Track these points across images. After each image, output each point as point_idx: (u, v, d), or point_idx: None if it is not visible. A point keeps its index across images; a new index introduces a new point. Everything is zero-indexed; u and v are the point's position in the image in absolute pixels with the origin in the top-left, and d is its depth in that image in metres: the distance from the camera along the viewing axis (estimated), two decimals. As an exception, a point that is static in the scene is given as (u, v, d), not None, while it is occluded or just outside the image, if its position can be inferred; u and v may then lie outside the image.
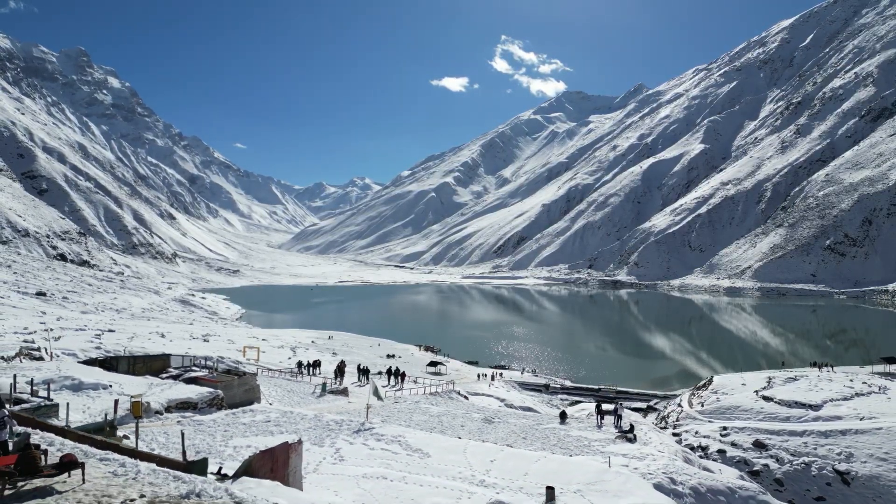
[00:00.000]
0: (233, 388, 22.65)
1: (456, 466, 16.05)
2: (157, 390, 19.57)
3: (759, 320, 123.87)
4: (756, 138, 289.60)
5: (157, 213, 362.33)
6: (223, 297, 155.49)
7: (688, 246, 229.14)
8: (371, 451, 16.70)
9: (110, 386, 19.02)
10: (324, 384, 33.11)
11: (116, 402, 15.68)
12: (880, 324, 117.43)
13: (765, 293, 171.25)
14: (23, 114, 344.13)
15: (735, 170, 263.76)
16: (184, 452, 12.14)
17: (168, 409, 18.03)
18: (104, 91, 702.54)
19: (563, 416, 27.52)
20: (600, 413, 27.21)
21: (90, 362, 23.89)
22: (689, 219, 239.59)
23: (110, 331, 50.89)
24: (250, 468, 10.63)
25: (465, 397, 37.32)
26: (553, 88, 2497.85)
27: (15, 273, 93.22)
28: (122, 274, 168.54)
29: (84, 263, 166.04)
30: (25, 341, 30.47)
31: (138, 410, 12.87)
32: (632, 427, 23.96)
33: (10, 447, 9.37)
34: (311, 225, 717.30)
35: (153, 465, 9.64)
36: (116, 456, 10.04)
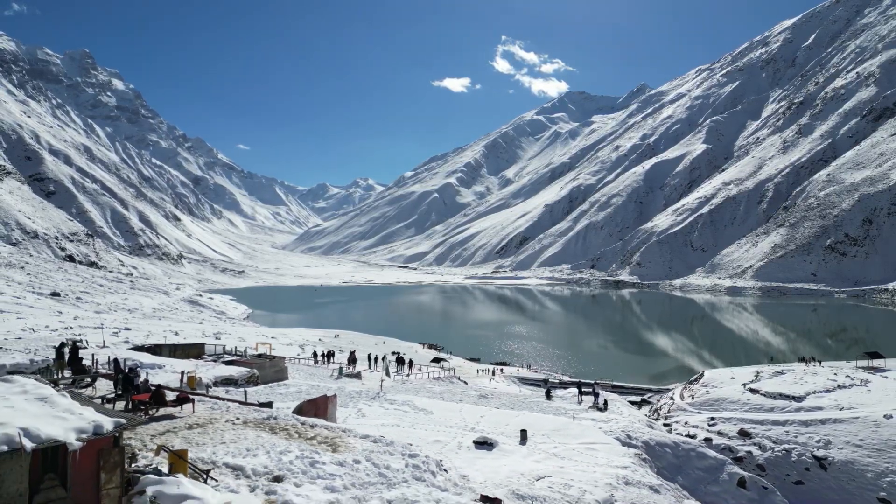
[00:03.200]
0: (265, 368, 26.19)
1: (453, 420, 20.22)
2: (204, 369, 22.69)
3: (760, 319, 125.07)
4: (758, 138, 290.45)
5: (162, 214, 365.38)
6: (230, 297, 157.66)
7: (690, 246, 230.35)
8: (386, 411, 20.55)
9: (164, 366, 22.14)
10: (340, 368, 36.83)
11: (183, 373, 19.00)
12: (881, 322, 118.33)
13: (766, 293, 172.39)
14: (29, 116, 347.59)
15: (737, 170, 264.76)
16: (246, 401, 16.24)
17: (215, 384, 20.96)
18: (108, 93, 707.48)
19: (548, 393, 30.85)
20: (581, 392, 31.52)
21: (138, 348, 26.90)
22: (691, 219, 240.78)
23: (126, 329, 52.88)
24: (301, 411, 14.30)
25: (465, 382, 39.85)
26: (555, 88, 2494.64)
27: (28, 274, 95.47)
28: (131, 275, 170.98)
29: (92, 265, 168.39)
30: (63, 335, 32.71)
31: (193, 383, 15.80)
32: (605, 402, 27.02)
33: (140, 389, 13.70)
34: (315, 226, 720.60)
35: (237, 404, 14.22)
36: (208, 399, 14.64)
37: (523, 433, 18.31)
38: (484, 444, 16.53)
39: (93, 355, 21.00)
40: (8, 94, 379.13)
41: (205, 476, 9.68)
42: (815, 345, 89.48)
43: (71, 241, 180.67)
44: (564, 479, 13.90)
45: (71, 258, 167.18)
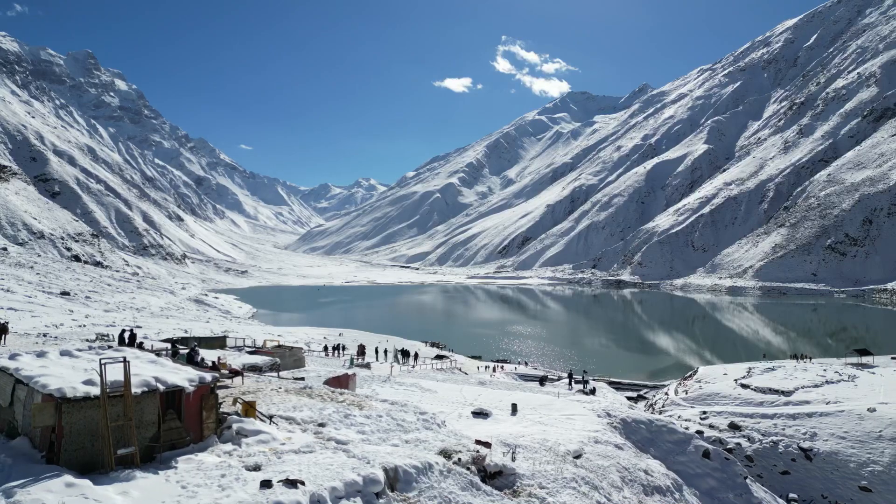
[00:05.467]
0: (285, 357, 29.04)
1: (455, 397, 23.47)
2: (231, 358, 24.89)
3: (760, 319, 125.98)
4: (759, 138, 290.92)
5: (165, 214, 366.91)
6: (234, 297, 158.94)
7: (691, 246, 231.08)
8: (396, 391, 23.26)
9: None
10: (351, 358, 40.09)
11: (219, 358, 21.38)
12: (880, 322, 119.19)
13: (766, 292, 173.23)
14: (33, 117, 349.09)
15: (738, 170, 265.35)
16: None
17: (242, 370, 22.83)
18: (111, 93, 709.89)
19: (542, 381, 32.80)
20: (571, 380, 34.32)
21: (167, 341, 28.89)
22: (692, 219, 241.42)
23: (138, 327, 54.19)
24: (328, 384, 17.71)
25: (466, 373, 42.22)
26: (557, 88, 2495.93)
27: (38, 274, 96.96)
28: (137, 275, 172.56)
29: (97, 264, 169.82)
30: (84, 331, 34.28)
31: (225, 367, 18.04)
32: (594, 388, 29.68)
33: (200, 365, 16.38)
34: (317, 226, 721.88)
35: (276, 378, 18.27)
36: (251, 374, 18.64)
37: (514, 406, 21.58)
38: (480, 414, 19.94)
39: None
40: (12, 94, 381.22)
41: (269, 420, 12.97)
42: (816, 344, 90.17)
43: (76, 241, 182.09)
44: (544, 437, 17.05)
45: (77, 258, 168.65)
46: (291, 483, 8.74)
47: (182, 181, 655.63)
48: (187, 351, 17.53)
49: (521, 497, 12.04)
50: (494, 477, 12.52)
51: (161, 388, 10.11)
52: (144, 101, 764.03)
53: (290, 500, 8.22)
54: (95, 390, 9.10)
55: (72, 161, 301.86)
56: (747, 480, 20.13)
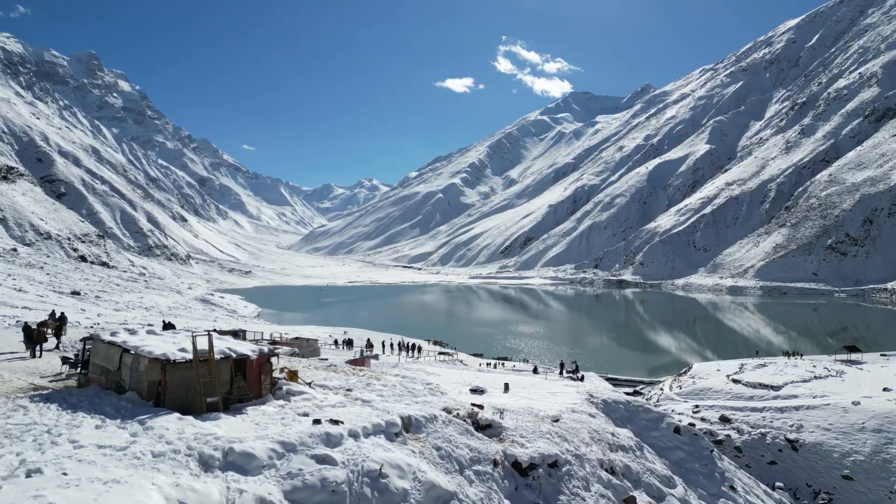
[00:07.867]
0: (303, 347, 31.95)
1: (456, 379, 26.85)
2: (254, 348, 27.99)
3: (761, 318, 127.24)
4: (761, 139, 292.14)
5: (169, 215, 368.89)
6: (239, 296, 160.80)
7: (692, 246, 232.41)
8: (404, 374, 25.85)
9: None
10: (360, 350, 43.30)
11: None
12: (880, 321, 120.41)
13: (766, 292, 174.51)
14: (38, 118, 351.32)
15: (740, 170, 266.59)
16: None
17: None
18: (115, 94, 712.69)
19: (535, 370, 35.58)
20: (562, 368, 37.64)
21: None
22: (693, 219, 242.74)
23: (149, 325, 56.07)
24: (348, 364, 21.13)
25: (466, 365, 44.80)
26: (558, 88, 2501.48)
27: (48, 274, 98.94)
28: (144, 275, 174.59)
29: (103, 265, 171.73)
30: (118, 323, 36.42)
31: None
32: (582, 376, 32.29)
33: None
34: (320, 226, 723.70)
35: (304, 359, 21.38)
36: (283, 356, 21.03)
37: (506, 385, 25.34)
38: (477, 391, 23.52)
39: None
40: (16, 95, 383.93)
41: (309, 385, 16.40)
42: (816, 343, 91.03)
43: (83, 241, 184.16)
44: (529, 406, 20.29)
45: (83, 258, 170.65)
46: (334, 422, 12.15)
47: (185, 182, 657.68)
48: (232, 335, 20.19)
49: (505, 442, 15.40)
50: (485, 428, 15.86)
51: (233, 355, 13.37)
52: (147, 102, 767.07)
53: (335, 432, 11.29)
54: (189, 355, 12.33)
55: (77, 162, 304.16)
56: (713, 454, 22.27)
